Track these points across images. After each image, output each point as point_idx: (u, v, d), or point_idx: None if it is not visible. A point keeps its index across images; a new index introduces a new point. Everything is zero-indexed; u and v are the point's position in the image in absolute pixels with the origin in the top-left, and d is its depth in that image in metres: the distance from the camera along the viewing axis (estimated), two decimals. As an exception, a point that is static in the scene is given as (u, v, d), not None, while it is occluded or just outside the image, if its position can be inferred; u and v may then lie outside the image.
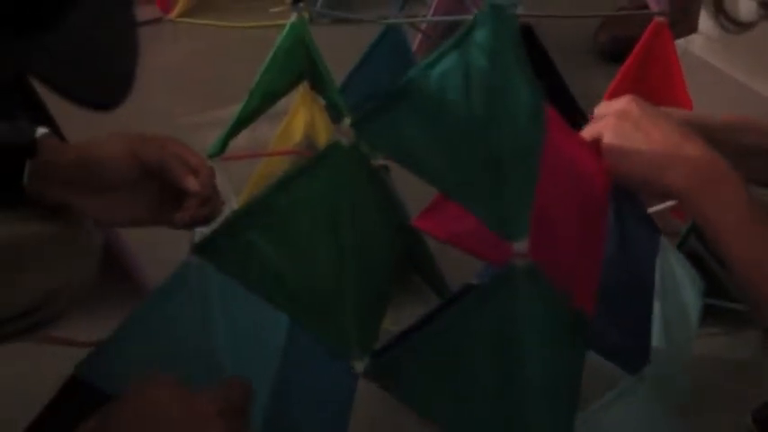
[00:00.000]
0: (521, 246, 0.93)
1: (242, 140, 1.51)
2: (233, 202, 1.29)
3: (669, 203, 1.05)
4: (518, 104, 0.92)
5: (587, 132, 1.06)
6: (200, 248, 0.95)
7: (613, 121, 1.03)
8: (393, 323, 1.48)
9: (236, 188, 1.51)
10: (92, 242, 1.18)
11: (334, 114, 1.58)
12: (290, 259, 0.97)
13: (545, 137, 0.96)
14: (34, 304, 1.12)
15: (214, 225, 1.04)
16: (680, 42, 1.90)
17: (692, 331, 1.22)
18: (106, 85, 0.83)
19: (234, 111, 1.46)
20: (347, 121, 0.95)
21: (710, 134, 1.01)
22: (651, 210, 1.17)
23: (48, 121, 1.28)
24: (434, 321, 0.98)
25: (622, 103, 1.05)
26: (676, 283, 1.19)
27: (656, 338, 1.17)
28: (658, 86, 1.60)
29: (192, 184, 1.10)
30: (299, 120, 1.67)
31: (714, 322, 1.44)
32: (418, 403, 1.01)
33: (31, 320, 1.12)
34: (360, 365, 1.02)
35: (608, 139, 1.03)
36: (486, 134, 0.92)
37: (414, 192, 1.07)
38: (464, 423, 1.00)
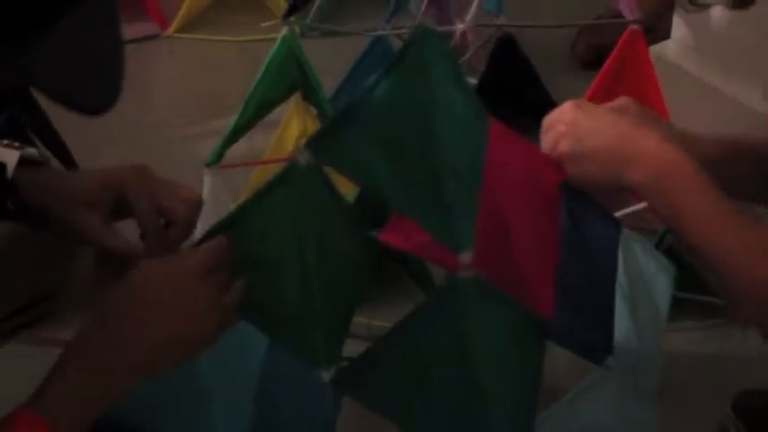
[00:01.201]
0: (465, 257, 0.93)
1: (239, 149, 1.51)
2: (231, 208, 1.29)
3: (643, 204, 1.04)
4: (454, 119, 0.93)
5: (543, 145, 1.06)
6: None
7: (564, 129, 1.03)
8: (380, 319, 1.49)
9: (234, 195, 1.51)
10: (77, 248, 1.16)
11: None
12: (257, 274, 0.97)
13: (486, 148, 0.96)
14: (20, 306, 1.11)
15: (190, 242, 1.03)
16: (654, 48, 1.90)
17: (662, 319, 1.22)
18: (97, 90, 0.83)
19: (230, 121, 1.47)
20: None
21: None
22: (627, 210, 1.17)
23: (54, 138, 1.27)
24: (393, 332, 0.98)
25: (568, 111, 1.04)
26: (642, 273, 1.19)
27: (623, 329, 1.17)
28: (634, 92, 1.60)
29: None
30: (293, 129, 1.68)
31: (692, 315, 1.45)
32: (385, 410, 1.01)
33: (21, 320, 1.12)
34: (327, 375, 1.02)
35: (563, 147, 1.03)
36: (425, 149, 0.93)
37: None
38: (427, 426, 1.00)
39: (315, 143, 0.94)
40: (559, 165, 1.04)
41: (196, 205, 1.06)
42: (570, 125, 1.03)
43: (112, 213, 1.04)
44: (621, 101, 1.06)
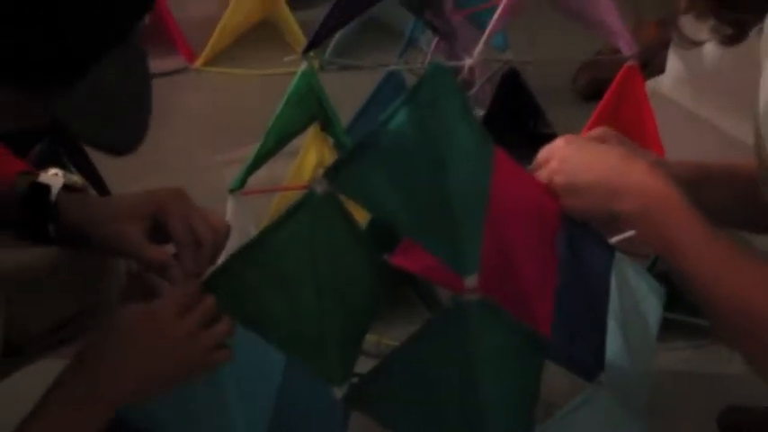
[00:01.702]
0: (471, 281, 0.93)
1: (260, 176, 1.51)
2: (252, 234, 1.30)
3: (633, 232, 1.04)
4: (463, 151, 0.93)
5: (545, 164, 1.06)
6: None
7: (557, 166, 1.03)
8: (389, 337, 1.49)
9: (255, 219, 1.51)
10: (114, 268, 1.17)
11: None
12: (276, 295, 0.97)
13: (492, 178, 0.96)
14: (60, 323, 1.12)
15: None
16: (650, 83, 1.91)
17: (652, 339, 1.22)
18: (123, 132, 0.84)
19: (252, 150, 1.47)
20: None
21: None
22: (620, 237, 1.17)
23: (88, 166, 1.28)
24: (401, 349, 0.98)
25: (559, 148, 1.05)
26: (634, 295, 1.19)
27: (614, 348, 1.17)
28: (630, 124, 1.61)
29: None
30: (311, 158, 1.69)
31: (681, 336, 1.44)
32: (393, 424, 1.01)
33: (57, 337, 1.13)
34: (339, 392, 1.02)
35: (557, 182, 1.03)
36: (435, 179, 0.93)
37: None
38: None
39: (331, 173, 0.94)
40: (555, 197, 1.05)
41: (225, 233, 1.06)
42: (562, 161, 1.04)
43: (151, 232, 1.04)
44: (599, 131, 1.08)
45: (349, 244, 1.00)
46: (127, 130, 0.84)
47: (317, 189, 0.94)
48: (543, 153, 1.07)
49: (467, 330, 0.95)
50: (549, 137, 1.87)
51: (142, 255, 1.03)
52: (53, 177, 1.07)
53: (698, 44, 1.10)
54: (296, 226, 0.96)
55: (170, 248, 1.04)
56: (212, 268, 1.00)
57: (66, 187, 1.07)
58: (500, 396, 0.97)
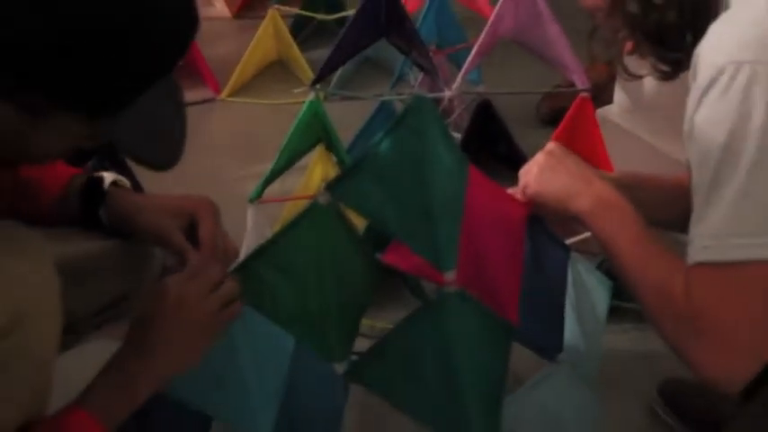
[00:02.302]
0: (450, 275, 0.94)
1: (275, 188, 1.51)
2: (268, 236, 1.30)
3: (585, 234, 1.06)
4: (442, 168, 0.93)
5: (521, 180, 1.09)
6: None
7: (536, 170, 1.06)
8: (383, 321, 1.49)
9: (270, 223, 1.51)
10: (153, 256, 1.17)
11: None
12: (286, 286, 0.97)
13: (467, 190, 0.97)
14: (109, 303, 1.12)
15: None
16: (600, 111, 1.91)
17: (601, 323, 1.22)
18: (163, 151, 0.84)
19: (268, 166, 1.47)
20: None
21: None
22: (574, 239, 1.18)
23: (131, 178, 1.28)
24: (392, 333, 0.98)
25: (534, 164, 1.08)
26: (586, 287, 1.20)
27: (570, 331, 1.17)
28: (584, 144, 1.61)
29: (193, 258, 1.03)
30: (318, 173, 1.69)
31: (627, 319, 1.44)
32: (386, 395, 1.00)
33: (104, 317, 1.12)
34: (341, 367, 1.02)
35: (533, 181, 1.06)
36: (419, 191, 0.93)
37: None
38: (420, 408, 0.99)
39: (333, 186, 0.94)
40: (529, 202, 1.07)
41: (233, 257, 1.06)
42: (534, 173, 1.07)
43: (186, 228, 1.04)
44: (550, 145, 1.09)
45: (348, 244, 1.00)
46: (166, 149, 0.84)
47: (321, 199, 0.94)
48: (524, 169, 1.10)
49: (446, 317, 0.95)
50: (517, 156, 1.89)
51: (175, 244, 1.02)
52: (105, 174, 1.08)
53: (639, 78, 1.11)
54: (304, 230, 0.96)
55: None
56: (236, 263, 1.00)
57: (115, 184, 1.08)
58: (475, 371, 0.97)
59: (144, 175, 1.30)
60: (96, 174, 1.09)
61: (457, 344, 0.96)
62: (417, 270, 0.96)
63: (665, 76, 1.03)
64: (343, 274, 1.00)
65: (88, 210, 1.07)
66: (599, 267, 1.31)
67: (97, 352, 0.93)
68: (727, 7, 0.92)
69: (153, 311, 0.92)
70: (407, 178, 0.93)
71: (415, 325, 0.96)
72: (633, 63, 1.09)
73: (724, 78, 0.84)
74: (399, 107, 1.99)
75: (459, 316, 0.95)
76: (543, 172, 1.06)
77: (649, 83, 1.69)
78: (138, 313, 0.93)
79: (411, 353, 0.97)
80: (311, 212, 0.95)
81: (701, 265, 0.87)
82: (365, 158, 0.93)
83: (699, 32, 0.91)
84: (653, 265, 0.93)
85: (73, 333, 1.05)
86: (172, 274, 0.94)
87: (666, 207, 1.05)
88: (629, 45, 1.05)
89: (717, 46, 0.88)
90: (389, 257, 0.97)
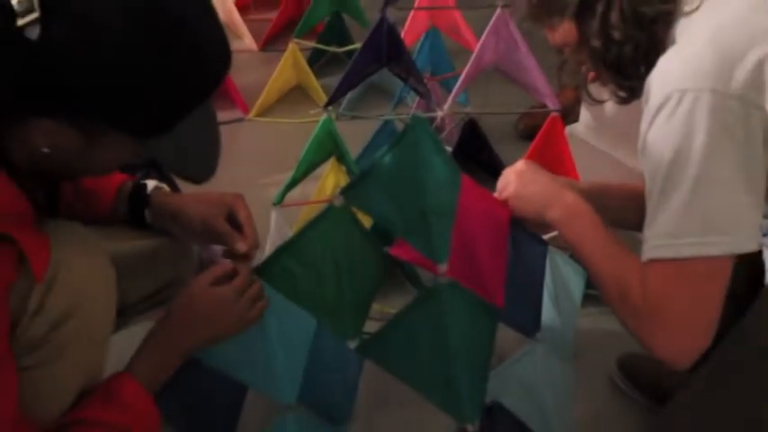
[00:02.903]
0: (442, 267, 0.94)
1: (295, 194, 1.51)
2: (289, 235, 1.30)
3: (556, 232, 1.06)
4: (437, 177, 0.93)
5: (499, 190, 1.08)
6: (257, 271, 0.97)
7: (509, 187, 1.06)
8: (389, 306, 1.48)
9: (291, 224, 1.51)
10: (192, 250, 1.17)
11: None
12: (307, 277, 0.97)
13: (459, 195, 0.97)
14: (153, 292, 1.12)
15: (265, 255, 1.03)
16: (568, 128, 1.91)
17: (576, 307, 1.22)
18: (201, 166, 0.85)
19: (289, 175, 1.46)
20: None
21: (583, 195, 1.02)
22: (551, 234, 1.17)
23: (173, 187, 1.28)
24: (397, 316, 0.98)
25: (511, 174, 1.07)
26: (562, 276, 1.19)
27: (549, 314, 1.17)
28: (554, 157, 1.61)
29: (240, 246, 1.02)
30: (331, 181, 1.68)
31: (591, 304, 1.44)
32: (391, 367, 1.00)
33: (154, 301, 1.12)
34: (353, 344, 1.02)
35: (510, 192, 1.06)
36: (417, 197, 0.93)
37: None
38: (418, 379, 0.99)
39: (345, 192, 0.95)
40: (507, 207, 1.07)
41: (257, 245, 1.05)
42: (512, 184, 1.06)
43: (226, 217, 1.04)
44: (520, 163, 1.09)
45: (359, 241, 1.00)
46: (204, 164, 0.85)
47: (336, 202, 0.95)
48: (501, 179, 1.10)
49: (440, 303, 0.95)
50: (499, 166, 1.89)
51: (219, 229, 1.02)
52: (149, 181, 1.09)
53: (602, 102, 1.11)
54: (322, 228, 0.96)
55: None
56: (263, 257, 1.00)
57: (158, 189, 1.09)
58: (465, 349, 0.97)
59: (182, 186, 1.30)
60: (141, 181, 1.09)
61: (449, 325, 0.96)
62: (417, 262, 0.97)
63: (623, 101, 1.03)
64: (355, 265, 1.00)
65: (135, 211, 1.07)
66: (572, 257, 1.31)
67: (142, 333, 0.94)
68: (673, 43, 0.92)
69: (195, 307, 0.93)
70: (407, 185, 0.93)
71: (414, 310, 0.96)
72: (596, 89, 1.09)
73: (671, 104, 0.84)
74: (399, 125, 1.99)
75: (451, 301, 0.95)
76: (520, 189, 1.06)
77: (610, 106, 1.69)
78: (176, 306, 0.93)
79: (412, 333, 0.97)
80: (328, 213, 0.95)
81: (654, 261, 0.87)
82: (372, 168, 0.93)
83: (650, 64, 0.91)
84: (613, 264, 0.93)
85: (122, 317, 1.06)
86: (208, 274, 0.95)
87: (628, 211, 1.05)
88: (592, 74, 1.05)
89: (665, 76, 0.88)
90: (396, 250, 0.97)
